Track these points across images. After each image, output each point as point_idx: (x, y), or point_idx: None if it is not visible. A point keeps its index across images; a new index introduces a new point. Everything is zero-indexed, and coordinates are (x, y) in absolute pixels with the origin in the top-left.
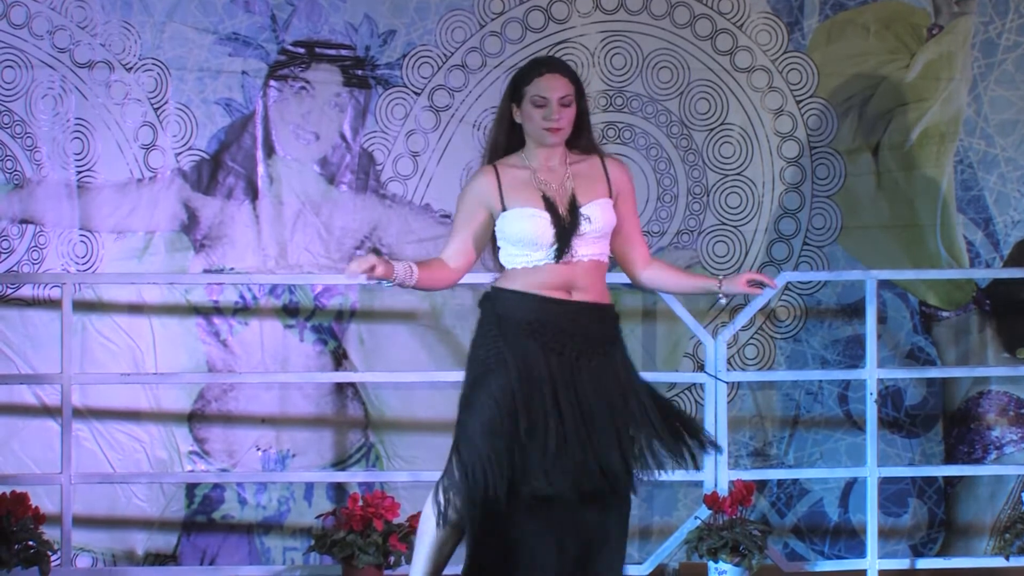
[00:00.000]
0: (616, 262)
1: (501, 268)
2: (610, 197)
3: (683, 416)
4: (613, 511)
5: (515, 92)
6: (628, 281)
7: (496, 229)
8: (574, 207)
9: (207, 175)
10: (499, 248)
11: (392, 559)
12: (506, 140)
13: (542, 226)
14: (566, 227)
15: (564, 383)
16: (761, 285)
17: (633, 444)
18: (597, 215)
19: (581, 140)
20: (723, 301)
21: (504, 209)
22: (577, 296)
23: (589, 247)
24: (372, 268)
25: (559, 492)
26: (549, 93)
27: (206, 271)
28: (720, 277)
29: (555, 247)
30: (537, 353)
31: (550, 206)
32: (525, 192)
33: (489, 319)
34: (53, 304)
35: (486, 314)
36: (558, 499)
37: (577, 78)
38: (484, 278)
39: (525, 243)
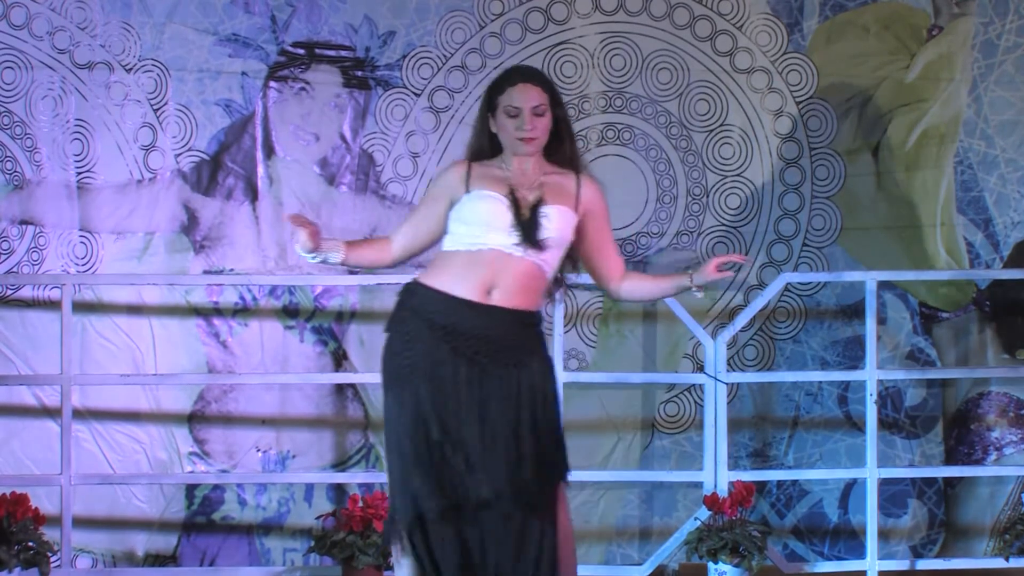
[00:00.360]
0: (593, 280)
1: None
2: (575, 212)
3: (557, 448)
4: (528, 520)
5: (489, 102)
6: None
7: (452, 214)
8: (536, 206)
9: (207, 176)
10: (446, 234)
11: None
12: (488, 148)
13: (499, 209)
14: (524, 221)
15: (471, 391)
16: (735, 268)
17: (530, 459)
18: (554, 217)
19: (562, 149)
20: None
21: (467, 192)
22: (496, 298)
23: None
24: (309, 232)
25: (478, 500)
26: (521, 103)
27: (206, 272)
28: (690, 272)
29: (509, 236)
30: (447, 357)
31: (512, 196)
32: (492, 182)
33: (403, 313)
34: (53, 305)
35: (400, 307)
36: (480, 506)
37: (552, 86)
38: None
39: (477, 223)
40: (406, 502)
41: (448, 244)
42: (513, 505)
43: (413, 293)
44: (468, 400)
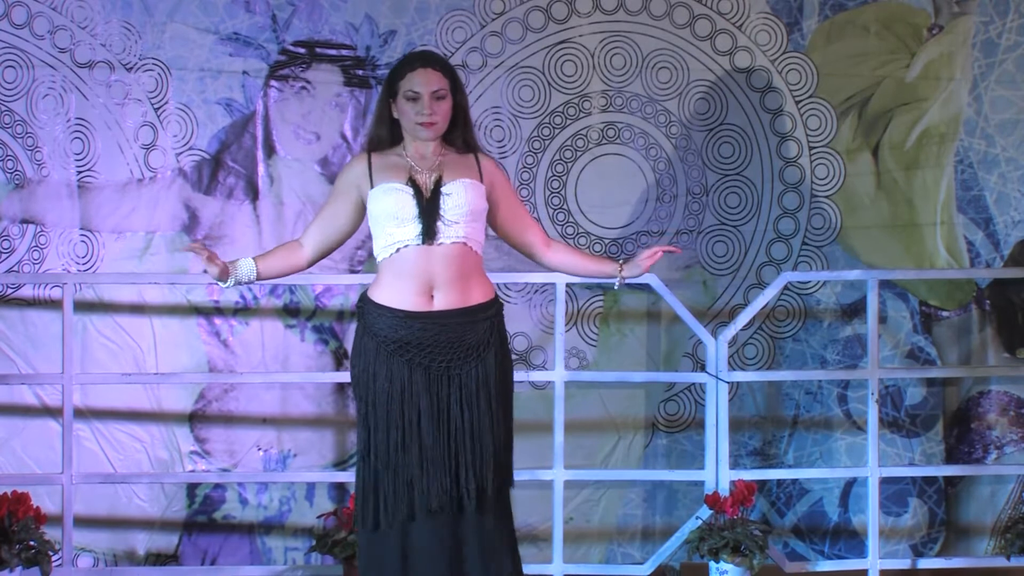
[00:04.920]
0: (520, 252)
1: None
2: (480, 182)
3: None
4: (484, 517)
5: (390, 88)
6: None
7: (367, 213)
8: (437, 187)
9: (207, 175)
10: (372, 239)
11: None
12: (388, 135)
13: (403, 200)
14: (426, 205)
15: (430, 399)
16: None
17: (489, 454)
18: (459, 191)
19: (459, 136)
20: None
21: (372, 187)
22: (440, 298)
23: (451, 228)
24: (209, 258)
25: (430, 506)
26: (421, 88)
27: (207, 271)
28: (621, 261)
29: (418, 225)
30: (403, 370)
31: (414, 184)
32: (394, 172)
33: (360, 328)
34: (54, 304)
35: (359, 323)
36: (432, 511)
37: (453, 72)
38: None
39: (387, 219)
40: (367, 510)
41: (376, 251)
42: (471, 508)
43: (364, 311)
44: (428, 408)
